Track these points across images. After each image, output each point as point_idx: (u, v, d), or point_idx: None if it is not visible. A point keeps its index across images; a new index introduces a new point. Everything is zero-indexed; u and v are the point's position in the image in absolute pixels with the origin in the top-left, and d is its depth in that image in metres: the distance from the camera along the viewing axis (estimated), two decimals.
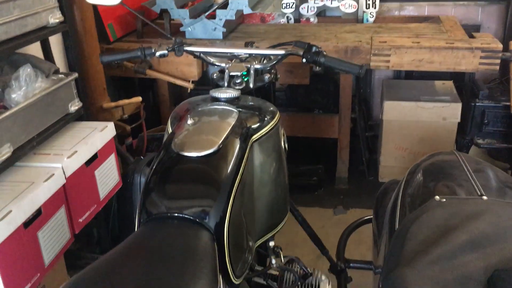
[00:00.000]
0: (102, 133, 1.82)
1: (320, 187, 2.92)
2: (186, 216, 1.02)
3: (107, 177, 1.87)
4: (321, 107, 3.04)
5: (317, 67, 1.45)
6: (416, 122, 2.78)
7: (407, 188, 1.51)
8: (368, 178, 3.02)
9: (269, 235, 1.35)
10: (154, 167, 1.12)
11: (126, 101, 2.32)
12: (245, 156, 1.18)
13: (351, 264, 1.82)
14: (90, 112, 2.14)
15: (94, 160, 1.77)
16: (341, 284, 1.64)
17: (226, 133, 1.17)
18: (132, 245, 0.97)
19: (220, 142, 1.13)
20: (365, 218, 2.02)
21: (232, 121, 1.22)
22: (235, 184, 1.10)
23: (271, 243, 1.39)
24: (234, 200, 1.08)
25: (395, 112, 2.78)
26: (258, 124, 1.28)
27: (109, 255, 0.94)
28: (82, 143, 1.72)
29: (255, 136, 1.25)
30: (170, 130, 1.28)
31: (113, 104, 2.26)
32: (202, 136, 1.18)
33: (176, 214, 1.02)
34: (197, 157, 1.10)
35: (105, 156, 1.85)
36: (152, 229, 1.01)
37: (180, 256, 0.92)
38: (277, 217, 1.37)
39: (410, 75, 3.26)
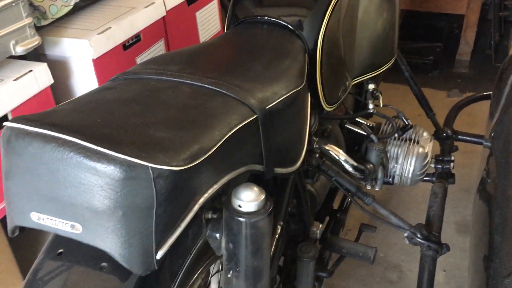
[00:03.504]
0: None
1: (436, 68, 2.65)
2: (278, 21, 0.94)
3: (208, 23, 1.83)
4: None
5: None
6: None
7: None
8: (494, 64, 2.66)
9: (369, 75, 1.23)
10: None
11: None
12: None
13: (458, 136, 1.64)
14: None
15: (196, 1, 1.72)
16: (445, 150, 1.49)
17: None
18: (217, 41, 0.91)
19: None
20: (486, 93, 1.79)
21: None
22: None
23: (371, 86, 1.27)
24: (331, 16, 0.96)
25: None
26: None
27: (191, 46, 0.89)
28: None
29: None
30: None
31: None
32: None
33: (266, 18, 0.94)
34: None
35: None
36: (241, 29, 0.95)
37: (269, 51, 0.87)
38: (380, 57, 1.23)
39: None
